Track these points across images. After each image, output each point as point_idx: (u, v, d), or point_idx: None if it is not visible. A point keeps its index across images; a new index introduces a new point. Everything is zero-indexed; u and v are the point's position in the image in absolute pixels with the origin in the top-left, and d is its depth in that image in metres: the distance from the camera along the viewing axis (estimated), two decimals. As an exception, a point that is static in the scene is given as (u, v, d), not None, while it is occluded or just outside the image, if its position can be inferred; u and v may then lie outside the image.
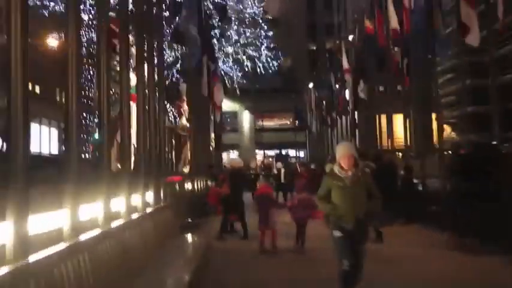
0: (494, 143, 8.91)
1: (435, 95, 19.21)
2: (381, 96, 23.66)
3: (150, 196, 6.45)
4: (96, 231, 3.90)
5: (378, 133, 26.30)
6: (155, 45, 8.40)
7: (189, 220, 7.75)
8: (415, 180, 11.91)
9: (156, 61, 8.48)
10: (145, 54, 7.28)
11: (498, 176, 7.65)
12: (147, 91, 7.44)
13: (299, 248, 8.14)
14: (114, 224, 4.39)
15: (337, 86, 23.33)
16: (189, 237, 7.06)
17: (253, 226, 11.19)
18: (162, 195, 7.11)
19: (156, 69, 8.29)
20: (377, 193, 4.87)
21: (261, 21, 29.63)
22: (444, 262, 7.34)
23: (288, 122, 41.83)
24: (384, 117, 27.19)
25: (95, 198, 4.13)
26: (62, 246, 3.15)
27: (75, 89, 3.64)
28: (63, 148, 6.05)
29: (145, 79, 7.45)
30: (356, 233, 4.69)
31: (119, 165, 5.88)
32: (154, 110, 7.79)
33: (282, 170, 18.46)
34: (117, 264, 4.13)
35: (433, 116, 23.27)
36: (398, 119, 25.29)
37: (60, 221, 3.32)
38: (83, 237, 3.48)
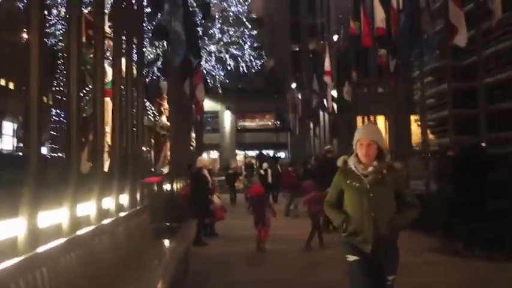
0: (483, 144, 8.78)
1: (416, 97, 19.18)
2: (362, 98, 23.60)
3: (125, 199, 6.03)
4: (59, 241, 3.48)
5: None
6: (134, 39, 7.99)
7: (167, 224, 7.37)
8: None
9: (135, 56, 8.08)
10: (123, 48, 6.84)
11: (486, 178, 7.49)
12: (124, 87, 7.01)
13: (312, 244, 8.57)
14: (82, 231, 3.97)
15: (319, 87, 23.14)
16: (166, 242, 6.66)
17: (239, 228, 10.87)
18: (138, 197, 6.70)
19: (135, 65, 7.89)
20: (413, 199, 3.41)
21: (245, 20, 29.26)
22: (433, 266, 7.16)
23: (270, 123, 41.59)
24: (364, 119, 27.27)
25: (59, 203, 3.71)
26: (17, 259, 2.74)
27: (35, 81, 3.22)
28: (23, 146, 5.62)
29: (123, 74, 7.04)
30: (379, 258, 3.26)
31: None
32: (132, 107, 7.37)
33: (269, 171, 18.33)
34: (85, 276, 3.73)
35: (412, 118, 23.41)
36: (378, 121, 25.34)
37: (16, 230, 2.90)
38: (43, 248, 3.06)
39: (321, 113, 25.71)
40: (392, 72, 12.66)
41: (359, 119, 26.71)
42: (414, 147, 25.57)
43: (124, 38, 6.93)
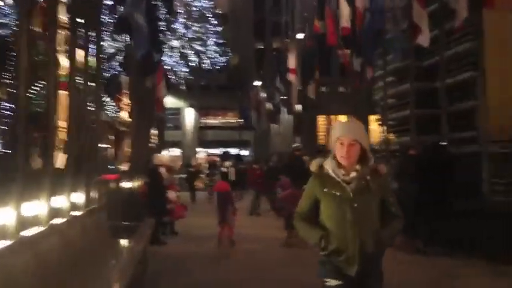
0: (444, 143, 8.92)
1: (377, 97, 19.47)
2: (325, 97, 23.82)
3: (80, 197, 5.71)
4: (4, 242, 3.18)
5: (318, 133, 26.51)
6: (94, 32, 7.63)
7: (125, 223, 7.08)
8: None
9: (94, 48, 7.71)
10: (80, 39, 6.49)
11: (447, 177, 7.60)
12: (81, 80, 6.67)
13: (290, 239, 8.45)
14: (29, 232, 3.67)
15: (283, 85, 23.17)
16: (123, 242, 6.38)
17: (200, 227, 10.65)
18: (94, 195, 6.37)
19: (93, 58, 7.54)
20: (397, 209, 2.85)
21: (209, 15, 28.90)
22: (396, 264, 7.19)
23: (233, 120, 41.40)
24: (325, 118, 27.62)
25: (4, 202, 3.40)
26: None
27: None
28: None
29: (79, 66, 6.68)
30: (365, 280, 2.74)
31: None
32: (90, 102, 7.03)
33: (231, 169, 18.18)
34: (34, 278, 3.44)
35: (373, 117, 23.75)
36: (337, 119, 25.70)
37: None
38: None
39: (284, 111, 25.77)
40: (358, 71, 12.73)
41: (321, 118, 27.08)
42: (374, 146, 26.07)
43: (82, 29, 6.60)
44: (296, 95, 20.68)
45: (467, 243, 7.23)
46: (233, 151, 39.31)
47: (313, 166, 2.87)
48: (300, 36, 20.83)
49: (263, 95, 29.61)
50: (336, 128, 2.83)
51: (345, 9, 12.60)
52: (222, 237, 8.51)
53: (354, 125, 2.85)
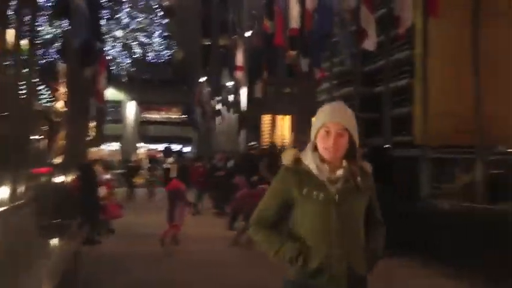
0: (387, 146, 9.08)
1: (321, 99, 19.77)
2: (272, 96, 23.88)
3: (4, 191, 5.20)
4: None
5: (263, 132, 26.56)
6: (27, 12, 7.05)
7: (56, 221, 6.58)
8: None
9: (27, 31, 7.13)
10: (7, 19, 5.94)
11: (390, 180, 7.71)
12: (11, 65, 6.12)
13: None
14: None
15: (230, 82, 22.97)
16: (53, 241, 5.92)
17: (138, 225, 10.25)
18: (21, 190, 5.85)
19: (26, 41, 6.98)
20: (379, 215, 2.37)
21: (156, 7, 28.12)
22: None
23: (176, 116, 40.63)
24: (271, 117, 27.75)
25: None
26: None
27: None
28: None
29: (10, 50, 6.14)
30: None
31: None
32: (19, 88, 6.46)
33: (173, 166, 17.65)
34: None
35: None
36: (283, 119, 25.95)
37: None
38: None
39: (229, 108, 25.56)
40: (305, 71, 12.76)
41: (266, 117, 27.15)
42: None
43: (13, 10, 6.06)
44: (242, 93, 20.55)
45: (406, 244, 7.38)
46: (175, 147, 38.59)
47: (286, 158, 2.21)
48: (248, 33, 20.69)
49: (208, 91, 29.24)
50: (322, 112, 2.20)
51: (294, 10, 12.58)
52: (166, 236, 8.20)
53: (344, 109, 2.20)
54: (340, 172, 2.16)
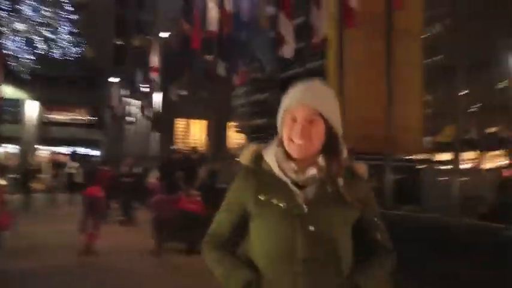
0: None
1: (235, 104, 19.86)
2: (185, 99, 23.54)
3: None
4: None
5: (177, 136, 26.08)
6: None
7: None
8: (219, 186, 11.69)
9: None
10: None
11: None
12: None
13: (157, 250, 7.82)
14: None
15: (143, 84, 22.22)
16: None
17: (36, 237, 9.35)
18: None
19: None
20: (386, 237, 1.65)
21: (63, 1, 26.44)
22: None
23: (84, 117, 38.54)
24: (185, 121, 27.35)
25: None
26: None
27: None
28: None
29: None
30: None
31: None
32: None
33: (79, 170, 16.59)
34: None
35: (230, 124, 24.35)
36: (197, 124, 25.70)
37: None
38: None
39: (142, 111, 24.73)
40: (223, 76, 12.64)
41: (180, 121, 26.70)
42: (231, 151, 26.59)
43: None
44: (156, 95, 19.95)
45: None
46: (82, 151, 36.49)
47: (245, 156, 1.64)
48: (164, 34, 20.18)
49: (120, 92, 28.06)
50: (288, 94, 1.59)
51: (212, 12, 12.44)
52: (82, 247, 7.64)
53: (319, 89, 1.58)
54: (311, 172, 1.52)
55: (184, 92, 19.82)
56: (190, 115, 21.91)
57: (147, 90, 20.97)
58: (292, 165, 1.53)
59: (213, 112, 19.82)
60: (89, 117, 36.94)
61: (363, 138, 9.44)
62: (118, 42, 39.15)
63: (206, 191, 8.59)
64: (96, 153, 38.19)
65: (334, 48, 10.08)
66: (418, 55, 16.38)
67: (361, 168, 1.61)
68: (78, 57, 28.44)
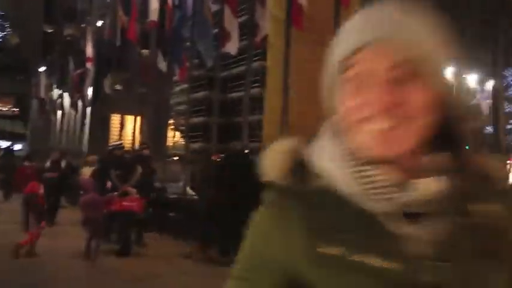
0: (247, 151, 9.04)
1: (173, 102, 19.39)
2: (120, 94, 22.63)
3: None
4: None
5: (111, 132, 25.06)
6: None
7: None
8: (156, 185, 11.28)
9: None
10: None
11: (247, 185, 7.65)
12: None
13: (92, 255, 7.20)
14: None
15: (74, 75, 21.02)
16: None
17: None
18: None
19: None
20: None
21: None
22: (188, 276, 6.83)
23: (6, 109, 36.00)
24: (120, 117, 26.27)
25: None
26: None
27: None
28: None
29: None
30: None
31: None
32: None
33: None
34: None
35: (169, 121, 23.73)
36: (132, 120, 24.79)
37: None
38: None
39: (73, 103, 23.44)
40: (161, 71, 12.16)
41: (115, 116, 25.57)
42: (169, 150, 25.90)
43: None
44: (89, 87, 18.94)
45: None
46: (4, 144, 33.96)
47: (273, 165, 0.76)
48: (98, 23, 19.19)
49: (49, 82, 26.40)
50: (343, 32, 0.73)
51: (153, 3, 11.92)
52: (20, 248, 7.07)
53: (406, 17, 0.69)
54: (432, 185, 0.68)
55: (119, 87, 18.95)
56: (125, 111, 20.99)
57: (79, 81, 19.85)
58: (379, 173, 0.69)
59: (151, 109, 19.15)
60: (12, 109, 34.57)
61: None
62: (48, 30, 36.89)
63: (143, 189, 8.21)
64: (19, 147, 35.81)
65: (277, 48, 10.02)
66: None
67: (496, 166, 0.75)
68: (2, 43, 26.43)
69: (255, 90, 14.26)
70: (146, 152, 9.20)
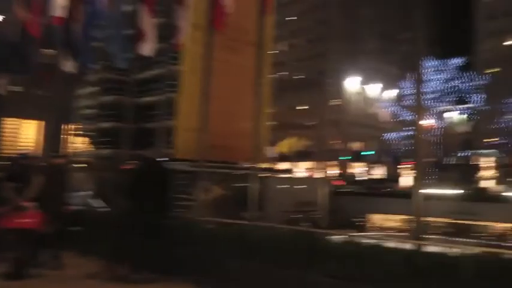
0: (160, 159, 8.58)
1: (79, 105, 18.19)
2: (16, 96, 20.80)
3: None
4: None
5: (4, 138, 22.89)
6: None
7: None
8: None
9: None
10: None
11: (165, 194, 7.25)
12: None
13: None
14: None
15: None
16: None
17: None
18: None
19: None
20: None
21: None
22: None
23: None
24: (15, 121, 24.04)
25: None
26: None
27: None
28: None
29: None
30: None
31: None
32: None
33: None
34: None
35: (70, 126, 22.13)
36: (30, 125, 22.83)
37: None
38: None
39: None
40: (69, 72, 11.16)
41: (9, 121, 23.30)
42: (72, 156, 24.15)
43: None
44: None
45: (176, 266, 6.94)
46: None
47: None
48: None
49: None
50: None
51: (59, -1, 10.92)
52: None
53: None
54: None
55: (16, 88, 17.29)
56: (22, 114, 19.26)
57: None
58: None
59: (52, 112, 17.68)
60: None
61: (212, 148, 9.26)
62: None
63: (43, 201, 7.32)
64: None
65: (194, 53, 9.73)
66: (268, 69, 16.89)
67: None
68: None
69: (168, 95, 13.74)
70: (60, 161, 8.32)
